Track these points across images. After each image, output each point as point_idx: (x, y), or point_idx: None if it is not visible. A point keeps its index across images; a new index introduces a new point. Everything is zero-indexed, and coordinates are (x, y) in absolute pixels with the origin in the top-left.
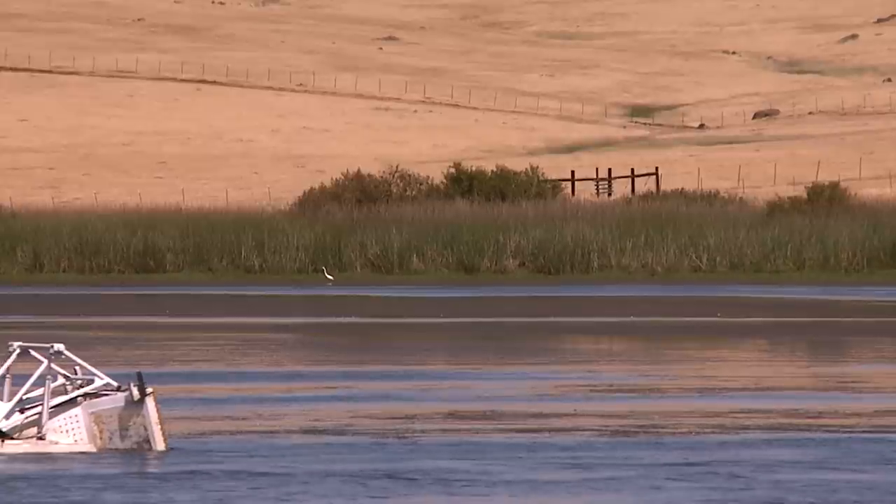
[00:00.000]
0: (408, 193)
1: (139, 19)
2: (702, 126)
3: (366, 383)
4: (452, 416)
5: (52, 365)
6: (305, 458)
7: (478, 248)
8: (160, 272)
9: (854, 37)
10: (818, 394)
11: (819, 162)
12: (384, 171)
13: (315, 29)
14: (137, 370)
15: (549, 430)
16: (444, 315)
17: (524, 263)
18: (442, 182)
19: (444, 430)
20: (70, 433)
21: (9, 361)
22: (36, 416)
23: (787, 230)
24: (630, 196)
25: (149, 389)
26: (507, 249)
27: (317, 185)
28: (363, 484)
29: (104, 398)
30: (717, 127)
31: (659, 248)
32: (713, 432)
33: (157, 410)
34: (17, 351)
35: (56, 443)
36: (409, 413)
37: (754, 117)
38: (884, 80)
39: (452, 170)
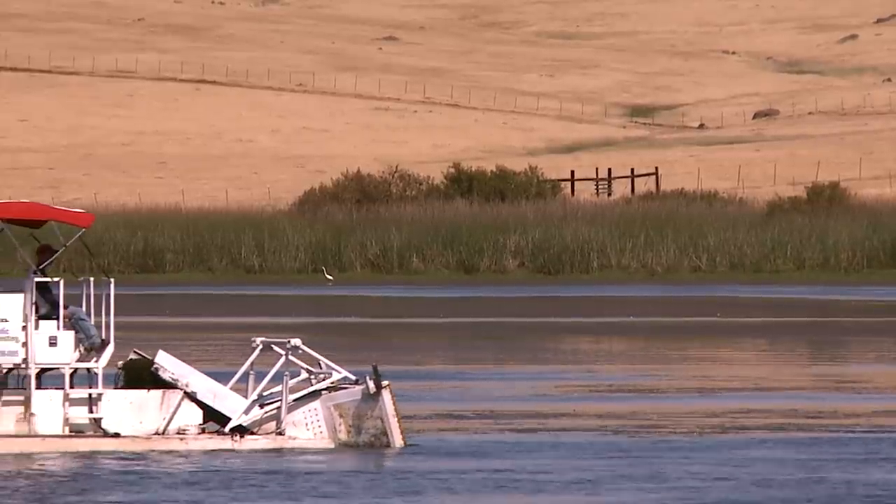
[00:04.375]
0: (408, 193)
1: (139, 19)
2: (702, 126)
3: None
4: (452, 416)
5: (296, 360)
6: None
7: (478, 248)
8: (160, 272)
9: (854, 37)
10: (818, 394)
11: (819, 162)
12: (384, 171)
13: (315, 29)
14: (373, 363)
15: (549, 430)
16: (444, 315)
17: (524, 263)
18: (442, 182)
19: (444, 430)
20: (309, 427)
21: (252, 357)
22: (275, 411)
23: (787, 230)
24: (630, 196)
25: (385, 382)
26: (506, 249)
27: (317, 186)
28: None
29: (341, 392)
30: (717, 127)
31: (659, 248)
32: (713, 432)
33: (394, 404)
34: (260, 347)
35: (294, 438)
36: (408, 413)
37: (754, 117)
38: (884, 80)
39: (452, 170)
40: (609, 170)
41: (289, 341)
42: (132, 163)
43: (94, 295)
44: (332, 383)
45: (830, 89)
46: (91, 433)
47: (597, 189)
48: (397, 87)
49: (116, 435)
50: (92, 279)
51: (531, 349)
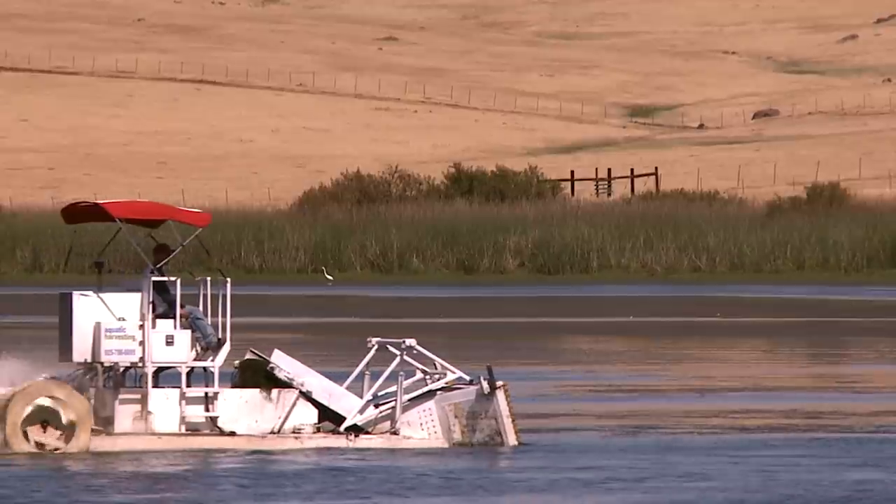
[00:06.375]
0: (408, 193)
1: (139, 19)
2: (702, 126)
3: None
4: None
5: (410, 360)
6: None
7: (478, 248)
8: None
9: (854, 37)
10: (818, 394)
11: (819, 162)
12: (384, 172)
13: (315, 29)
14: (487, 363)
15: (549, 430)
16: (444, 315)
17: (524, 263)
18: (442, 182)
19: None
20: (424, 427)
21: (367, 357)
22: (390, 411)
23: (787, 230)
24: (630, 196)
25: (499, 383)
26: (506, 249)
27: (317, 186)
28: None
29: (455, 392)
30: (717, 127)
31: (659, 248)
32: (713, 432)
33: (509, 404)
34: (375, 347)
35: (409, 437)
36: None
37: (754, 117)
38: (883, 80)
39: (452, 170)
40: (609, 170)
41: (403, 342)
42: (132, 163)
43: (211, 294)
44: (446, 383)
45: (830, 89)
46: (207, 432)
47: (597, 189)
48: (397, 87)
49: (232, 434)
50: (209, 279)
51: (531, 349)
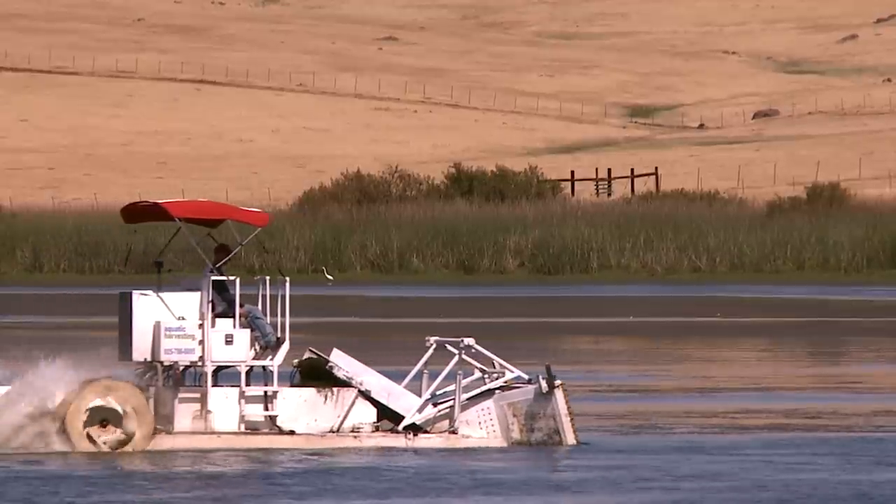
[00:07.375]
0: (408, 193)
1: (139, 19)
2: (702, 126)
3: None
4: None
5: (469, 359)
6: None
7: (478, 248)
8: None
9: (854, 37)
10: (818, 394)
11: (819, 162)
12: (384, 172)
13: (315, 29)
14: (546, 362)
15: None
16: (444, 315)
17: (524, 263)
18: (442, 182)
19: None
20: (482, 426)
21: (425, 356)
22: (448, 410)
23: (787, 230)
24: (630, 196)
25: (557, 382)
26: (506, 249)
27: (317, 186)
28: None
29: (514, 391)
30: (717, 127)
31: (659, 248)
32: (713, 432)
33: (567, 403)
34: (434, 346)
35: (468, 437)
36: None
37: (754, 117)
38: (883, 80)
39: (452, 170)
40: (609, 170)
41: (462, 340)
42: (132, 163)
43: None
44: (505, 382)
45: (830, 89)
46: (266, 430)
47: (597, 189)
48: (397, 87)
49: (291, 432)
50: (268, 278)
51: (531, 349)
